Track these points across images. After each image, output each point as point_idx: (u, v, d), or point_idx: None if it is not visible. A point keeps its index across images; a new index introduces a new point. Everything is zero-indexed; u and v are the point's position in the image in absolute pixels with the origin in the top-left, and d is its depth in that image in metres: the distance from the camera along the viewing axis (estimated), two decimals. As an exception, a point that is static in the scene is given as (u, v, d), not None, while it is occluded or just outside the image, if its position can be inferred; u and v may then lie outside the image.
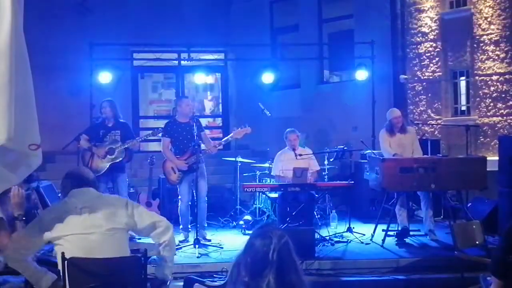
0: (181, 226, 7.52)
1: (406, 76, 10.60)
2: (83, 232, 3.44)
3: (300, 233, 6.70)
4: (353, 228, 7.76)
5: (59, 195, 7.31)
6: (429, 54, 10.59)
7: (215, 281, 5.17)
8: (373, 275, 6.11)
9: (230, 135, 7.80)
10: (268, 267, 2.05)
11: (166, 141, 7.48)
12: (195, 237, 7.04)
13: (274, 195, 8.13)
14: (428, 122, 10.34)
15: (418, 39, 10.74)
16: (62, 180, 3.73)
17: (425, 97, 10.69)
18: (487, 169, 7.07)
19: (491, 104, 9.76)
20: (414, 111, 10.81)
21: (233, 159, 9.21)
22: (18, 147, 3.35)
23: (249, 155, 10.84)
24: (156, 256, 3.74)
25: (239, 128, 7.67)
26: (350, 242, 7.36)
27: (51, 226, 3.45)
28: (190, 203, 7.52)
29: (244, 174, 9.38)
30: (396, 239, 7.25)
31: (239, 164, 9.22)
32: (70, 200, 3.60)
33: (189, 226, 7.55)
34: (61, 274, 3.37)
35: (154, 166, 8.59)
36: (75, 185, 3.67)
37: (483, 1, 9.80)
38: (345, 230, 7.68)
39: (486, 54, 9.79)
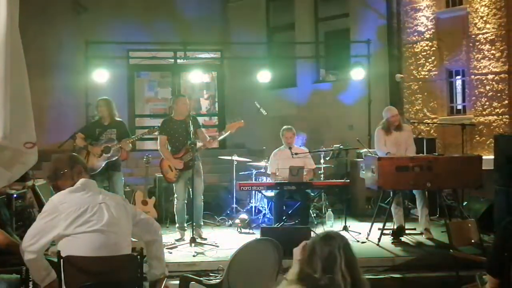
0: (177, 225, 7.52)
1: (402, 75, 10.61)
2: (105, 230, 3.33)
3: (296, 232, 6.71)
4: (349, 226, 7.77)
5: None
6: (425, 53, 10.60)
7: (211, 280, 5.17)
8: (369, 274, 6.11)
9: (224, 130, 7.80)
10: (338, 261, 2.45)
11: (163, 139, 7.47)
12: (191, 236, 7.04)
13: (270, 193, 8.13)
14: (424, 121, 10.36)
15: (414, 38, 10.76)
16: (69, 165, 3.54)
17: (421, 96, 10.71)
18: (483, 168, 7.08)
19: (487, 103, 9.78)
20: (410, 110, 10.82)
21: (229, 157, 9.21)
22: (13, 145, 3.35)
23: (245, 154, 10.83)
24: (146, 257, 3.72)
25: (232, 122, 7.67)
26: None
27: (66, 220, 3.29)
28: (186, 201, 7.52)
29: (240, 173, 9.38)
30: (392, 237, 7.26)
31: (235, 163, 9.22)
32: (86, 191, 3.45)
33: (185, 225, 7.55)
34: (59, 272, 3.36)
35: (150, 165, 8.58)
36: (87, 175, 3.56)
37: (478, 0, 9.82)
38: (341, 229, 7.68)
39: (482, 53, 9.81)
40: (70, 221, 3.30)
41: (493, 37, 9.67)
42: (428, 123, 10.34)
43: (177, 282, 4.15)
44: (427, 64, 10.57)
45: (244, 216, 8.31)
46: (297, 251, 2.62)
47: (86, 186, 3.50)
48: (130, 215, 3.56)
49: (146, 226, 3.65)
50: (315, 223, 8.26)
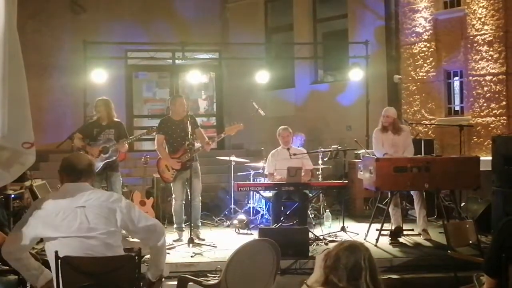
0: (175, 225, 7.51)
1: (400, 76, 10.63)
2: (80, 235, 3.33)
3: (294, 232, 6.70)
4: (347, 227, 7.77)
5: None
6: (423, 54, 10.62)
7: (209, 280, 5.17)
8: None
9: (223, 132, 7.82)
10: (363, 271, 2.53)
11: (160, 138, 7.46)
12: (189, 236, 7.04)
13: (268, 194, 8.13)
14: (422, 122, 10.37)
15: (412, 39, 10.77)
16: (58, 172, 3.57)
17: (419, 97, 10.72)
18: (481, 169, 7.09)
19: (485, 104, 9.80)
20: (408, 111, 10.84)
21: (227, 158, 9.21)
22: (11, 145, 3.35)
23: (243, 155, 10.84)
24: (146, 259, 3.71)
25: (232, 125, 7.68)
26: (344, 241, 7.35)
27: (44, 224, 3.35)
28: (184, 202, 7.52)
29: (238, 174, 9.38)
30: (390, 238, 7.26)
31: (233, 164, 9.22)
32: (65, 196, 3.45)
33: (183, 225, 7.54)
34: (55, 273, 3.35)
35: (148, 165, 8.58)
36: (70, 179, 3.53)
37: (476, 2, 9.84)
38: (339, 230, 7.69)
39: (480, 55, 9.83)
40: (46, 226, 3.34)
41: (491, 38, 9.69)
42: (426, 124, 10.36)
43: (175, 282, 4.14)
44: (425, 65, 10.59)
45: (242, 216, 8.31)
46: (319, 257, 2.68)
47: (66, 191, 3.49)
48: (121, 220, 3.47)
49: (147, 233, 3.58)
50: (313, 223, 8.26)
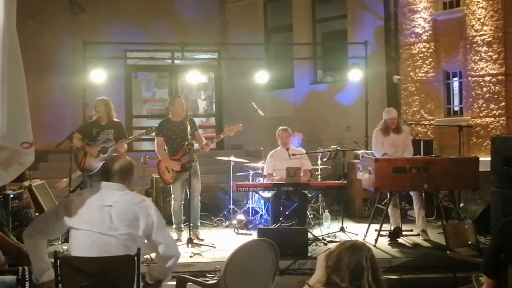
0: (174, 225, 7.51)
1: (399, 77, 10.63)
2: (99, 232, 3.45)
3: (293, 233, 6.71)
4: (346, 228, 7.77)
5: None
6: (422, 54, 10.62)
7: (208, 281, 5.17)
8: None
9: (222, 132, 7.83)
10: (365, 271, 2.53)
11: (160, 140, 7.46)
12: (188, 236, 7.04)
13: (267, 194, 8.13)
14: (421, 123, 10.37)
15: (412, 40, 10.78)
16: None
17: (418, 97, 10.73)
18: (480, 170, 7.09)
19: (484, 105, 9.81)
20: (407, 111, 10.84)
21: (227, 158, 9.20)
22: (10, 145, 3.34)
23: (242, 155, 10.84)
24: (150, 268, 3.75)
25: (231, 125, 7.67)
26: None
27: (71, 215, 3.49)
28: (183, 202, 7.51)
29: (238, 174, 9.38)
30: (389, 239, 7.26)
31: (232, 164, 9.22)
32: (97, 194, 3.60)
33: (182, 226, 7.54)
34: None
35: (147, 165, 8.58)
36: (103, 178, 3.69)
37: (476, 2, 9.85)
38: (338, 230, 7.69)
39: (479, 55, 9.83)
40: (73, 217, 3.49)
41: (490, 39, 9.70)
42: (425, 125, 10.36)
43: (174, 282, 4.14)
44: (424, 65, 10.59)
45: (241, 217, 8.31)
46: (321, 257, 2.67)
47: (99, 189, 3.65)
48: (145, 227, 3.54)
49: (163, 250, 3.62)
50: (312, 224, 8.26)
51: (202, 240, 7.32)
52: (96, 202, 3.54)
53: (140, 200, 3.65)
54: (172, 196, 7.53)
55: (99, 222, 3.46)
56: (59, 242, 6.65)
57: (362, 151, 8.61)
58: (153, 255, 3.98)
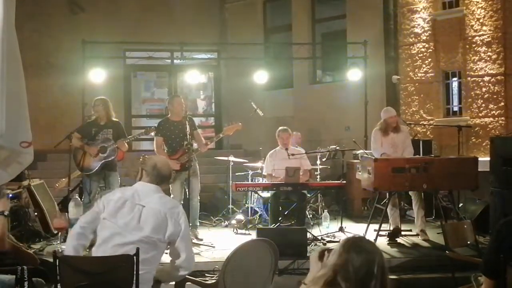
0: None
1: (398, 77, 10.63)
2: (123, 229, 3.53)
3: (292, 233, 6.71)
4: (345, 227, 7.77)
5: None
6: (421, 54, 10.62)
7: (207, 280, 5.17)
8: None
9: (222, 132, 7.83)
10: (374, 280, 2.32)
11: (159, 140, 7.46)
12: (187, 236, 7.03)
13: (266, 194, 8.13)
14: (420, 123, 10.38)
15: (411, 40, 10.78)
16: (140, 167, 4.03)
17: (417, 97, 10.73)
18: (479, 170, 7.09)
19: (483, 105, 9.81)
20: (407, 111, 10.84)
21: (226, 158, 9.20)
22: (9, 144, 3.34)
23: (241, 155, 10.84)
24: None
25: (230, 124, 7.67)
26: (342, 241, 7.35)
27: (104, 206, 3.63)
28: (182, 202, 7.51)
29: (237, 174, 9.38)
30: (388, 239, 7.27)
31: (232, 164, 9.22)
32: (135, 191, 3.69)
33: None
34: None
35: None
36: (147, 179, 3.77)
37: (475, 3, 9.85)
38: (337, 230, 7.69)
39: (478, 55, 9.83)
40: (107, 209, 3.62)
41: (490, 39, 9.70)
42: (424, 125, 10.36)
43: (173, 282, 4.13)
44: (424, 65, 10.59)
45: (240, 216, 8.31)
46: (314, 256, 2.54)
47: (138, 187, 3.77)
48: (170, 233, 3.61)
49: (181, 258, 3.70)
50: (311, 224, 8.25)
51: (201, 240, 7.32)
52: (132, 199, 3.63)
53: (173, 205, 3.72)
54: (171, 196, 7.52)
55: (127, 221, 3.54)
56: (58, 242, 6.64)
57: (361, 151, 8.61)
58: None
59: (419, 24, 10.63)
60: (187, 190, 7.45)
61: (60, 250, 5.65)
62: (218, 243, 7.18)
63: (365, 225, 7.60)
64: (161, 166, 3.81)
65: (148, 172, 3.78)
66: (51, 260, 3.36)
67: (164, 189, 3.82)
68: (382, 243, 7.13)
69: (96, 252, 3.59)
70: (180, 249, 3.65)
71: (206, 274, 5.91)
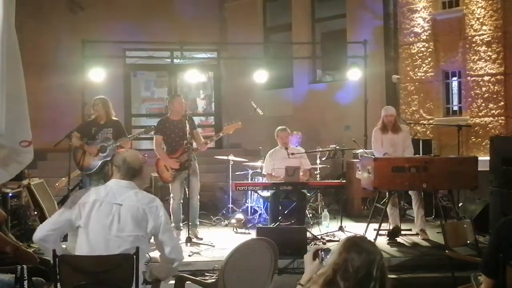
0: (173, 224, 7.50)
1: (398, 76, 10.63)
2: (107, 233, 3.46)
3: (292, 232, 6.71)
4: (345, 227, 7.78)
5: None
6: (421, 54, 10.62)
7: (207, 279, 5.17)
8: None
9: (221, 131, 7.83)
10: (373, 282, 2.30)
11: (159, 139, 7.46)
12: (187, 235, 7.04)
13: (266, 193, 8.13)
14: (420, 122, 10.38)
15: (411, 39, 10.78)
16: (110, 164, 3.78)
17: (417, 97, 10.73)
18: (478, 169, 7.10)
19: (483, 104, 9.81)
20: (406, 111, 10.84)
21: (225, 157, 9.20)
22: (9, 143, 3.34)
23: (241, 154, 10.83)
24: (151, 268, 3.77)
25: (230, 124, 7.68)
26: (341, 241, 7.35)
27: (80, 212, 3.51)
28: (182, 201, 7.51)
29: (236, 173, 9.38)
30: (388, 238, 7.27)
31: (231, 163, 9.22)
32: (109, 190, 3.60)
33: (181, 224, 7.54)
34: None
35: (146, 164, 8.55)
36: (118, 175, 3.68)
37: (475, 2, 9.85)
38: (337, 229, 7.69)
39: (478, 55, 9.83)
40: (81, 214, 3.51)
41: (490, 38, 9.70)
42: (424, 124, 10.37)
43: (173, 281, 4.14)
44: (424, 65, 10.59)
45: (240, 216, 8.31)
46: (308, 256, 2.53)
47: (112, 185, 3.65)
48: (152, 228, 3.58)
49: (168, 251, 3.65)
50: (311, 223, 8.26)
51: (201, 239, 7.33)
52: (107, 198, 3.55)
53: (151, 199, 3.68)
54: (171, 195, 7.53)
55: (107, 223, 3.48)
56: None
57: (361, 150, 8.62)
58: (152, 254, 3.97)
59: (419, 24, 10.63)
60: (186, 189, 7.45)
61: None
62: (218, 242, 7.19)
63: (365, 224, 7.60)
64: (131, 160, 3.72)
65: (118, 168, 3.69)
66: (50, 259, 3.36)
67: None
68: (382, 242, 7.13)
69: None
70: (164, 241, 3.61)
71: (206, 273, 5.92)
